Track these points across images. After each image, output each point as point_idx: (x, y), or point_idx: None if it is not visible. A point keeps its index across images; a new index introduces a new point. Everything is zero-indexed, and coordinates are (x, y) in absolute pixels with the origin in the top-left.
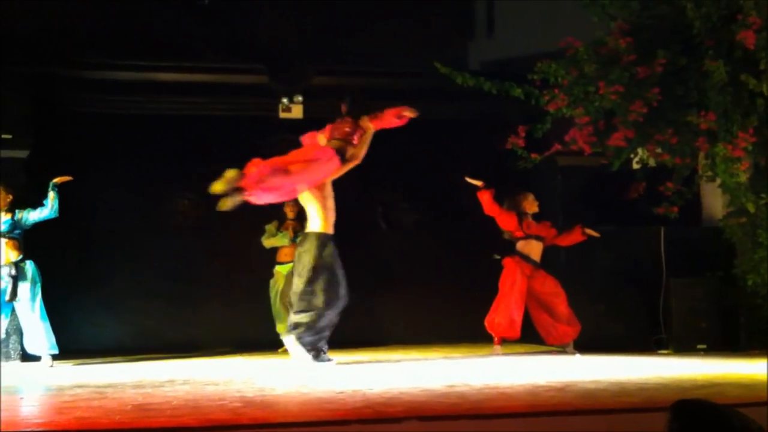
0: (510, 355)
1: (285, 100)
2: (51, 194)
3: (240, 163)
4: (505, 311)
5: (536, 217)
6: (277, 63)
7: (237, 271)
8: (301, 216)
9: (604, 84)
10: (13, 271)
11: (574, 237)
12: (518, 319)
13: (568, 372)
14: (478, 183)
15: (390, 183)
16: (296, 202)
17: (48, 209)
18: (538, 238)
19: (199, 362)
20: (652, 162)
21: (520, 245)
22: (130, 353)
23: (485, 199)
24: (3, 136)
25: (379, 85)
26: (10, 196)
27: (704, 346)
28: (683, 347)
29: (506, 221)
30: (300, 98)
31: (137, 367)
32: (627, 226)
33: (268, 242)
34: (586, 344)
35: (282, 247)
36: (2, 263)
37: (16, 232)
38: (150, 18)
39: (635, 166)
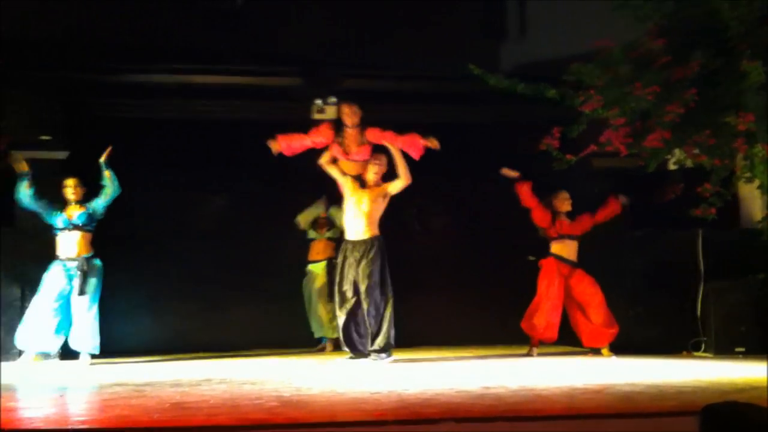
0: (546, 357)
1: (318, 102)
2: (107, 173)
3: (273, 167)
4: (542, 313)
5: (570, 216)
6: (309, 65)
7: (271, 272)
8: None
9: (640, 85)
10: (85, 266)
11: (611, 208)
12: (556, 320)
13: (605, 375)
14: (514, 174)
15: (423, 185)
16: (328, 199)
17: (110, 188)
18: (571, 237)
19: (235, 362)
20: (689, 163)
21: (555, 247)
22: (166, 353)
23: (523, 190)
24: (41, 137)
25: (411, 87)
26: (84, 189)
27: (743, 350)
28: (722, 351)
29: (541, 216)
30: (333, 100)
31: (174, 366)
32: (664, 229)
33: (303, 217)
34: (623, 347)
35: (313, 243)
36: (73, 256)
37: (92, 224)
38: (182, 22)
39: (672, 167)
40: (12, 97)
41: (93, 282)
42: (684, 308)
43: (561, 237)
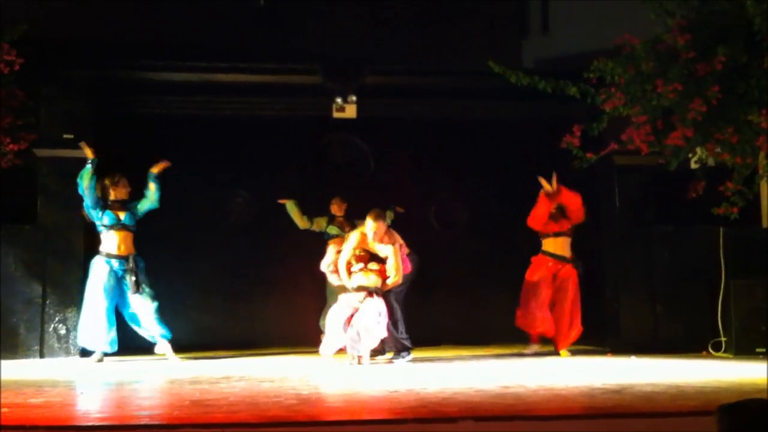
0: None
1: (339, 100)
2: (152, 186)
3: (294, 163)
4: (530, 309)
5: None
6: (331, 62)
7: (293, 268)
8: (349, 214)
9: (663, 82)
10: (135, 265)
11: (571, 205)
12: (547, 314)
13: (625, 374)
14: (547, 187)
15: (442, 182)
16: (343, 198)
17: (149, 201)
18: (562, 234)
19: (254, 359)
20: (711, 161)
21: (546, 244)
22: (187, 350)
23: (545, 202)
24: (65, 136)
25: (432, 84)
26: (130, 188)
27: (763, 350)
28: (742, 351)
29: (537, 220)
30: (354, 98)
31: (194, 364)
32: (686, 227)
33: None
34: (644, 346)
35: (335, 241)
36: (119, 254)
37: (136, 225)
38: (205, 20)
39: (693, 165)
40: (37, 95)
41: (144, 279)
42: (706, 307)
43: (550, 235)
